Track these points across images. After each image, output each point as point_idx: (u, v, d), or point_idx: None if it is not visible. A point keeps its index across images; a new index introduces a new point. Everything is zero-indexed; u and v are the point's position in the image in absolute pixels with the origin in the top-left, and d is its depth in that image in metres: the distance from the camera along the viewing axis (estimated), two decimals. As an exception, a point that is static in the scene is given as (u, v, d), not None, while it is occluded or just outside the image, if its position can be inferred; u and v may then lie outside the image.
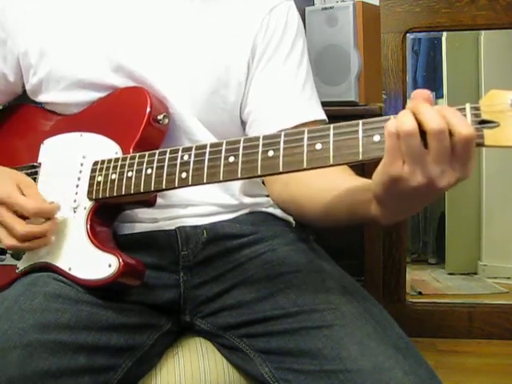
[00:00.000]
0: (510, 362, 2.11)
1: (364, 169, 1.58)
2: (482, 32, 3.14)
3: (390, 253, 2.31)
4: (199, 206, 0.95)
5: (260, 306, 0.87)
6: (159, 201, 0.91)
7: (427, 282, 3.22)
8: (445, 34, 3.39)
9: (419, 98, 0.63)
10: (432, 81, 3.91)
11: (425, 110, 0.61)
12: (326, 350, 0.78)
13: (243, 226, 0.96)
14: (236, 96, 0.97)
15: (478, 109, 0.62)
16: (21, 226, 0.84)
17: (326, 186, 0.83)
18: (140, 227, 0.93)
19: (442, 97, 3.61)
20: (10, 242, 0.85)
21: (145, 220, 0.94)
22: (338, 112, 1.72)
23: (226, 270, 0.93)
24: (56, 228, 0.86)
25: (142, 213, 0.93)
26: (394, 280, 2.34)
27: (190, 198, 0.94)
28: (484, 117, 0.61)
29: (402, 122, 0.62)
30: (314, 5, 1.98)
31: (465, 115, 0.62)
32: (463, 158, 0.62)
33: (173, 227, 0.93)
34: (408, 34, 2.34)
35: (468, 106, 0.62)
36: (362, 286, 0.90)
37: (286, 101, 0.97)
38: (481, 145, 0.61)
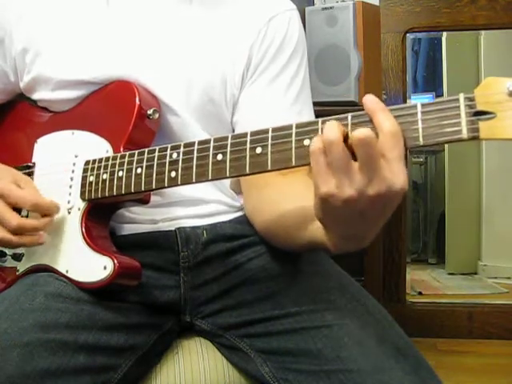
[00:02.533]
0: (510, 362, 2.11)
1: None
2: (482, 32, 3.14)
3: (390, 253, 2.32)
4: (199, 205, 0.95)
5: (260, 306, 0.87)
6: (158, 199, 0.91)
7: (427, 282, 3.23)
8: (445, 34, 3.40)
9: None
10: (432, 81, 3.92)
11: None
12: (326, 349, 0.78)
13: (243, 226, 0.96)
14: (230, 108, 0.97)
15: (472, 99, 0.58)
16: (13, 218, 0.83)
17: (289, 209, 0.82)
18: (140, 228, 0.93)
19: (441, 96, 3.61)
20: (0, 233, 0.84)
21: (144, 221, 0.93)
22: (337, 112, 1.71)
23: (226, 270, 0.92)
24: (50, 227, 0.86)
25: (142, 214, 0.93)
26: (394, 280, 2.34)
27: (188, 194, 0.93)
28: (479, 108, 0.57)
29: (325, 132, 0.61)
30: (314, 5, 1.98)
31: (458, 106, 0.59)
32: (392, 161, 0.60)
33: (172, 228, 0.93)
34: (408, 34, 2.34)
35: (462, 97, 0.59)
36: (362, 285, 0.90)
37: (273, 114, 0.95)
38: (475, 138, 0.58)
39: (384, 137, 0.60)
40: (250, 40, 0.96)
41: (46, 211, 0.86)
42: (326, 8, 1.82)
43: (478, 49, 3.25)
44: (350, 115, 0.64)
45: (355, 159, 0.61)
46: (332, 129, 0.61)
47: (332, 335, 0.79)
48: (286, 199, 0.84)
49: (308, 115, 0.98)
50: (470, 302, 2.55)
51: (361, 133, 0.60)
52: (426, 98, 3.80)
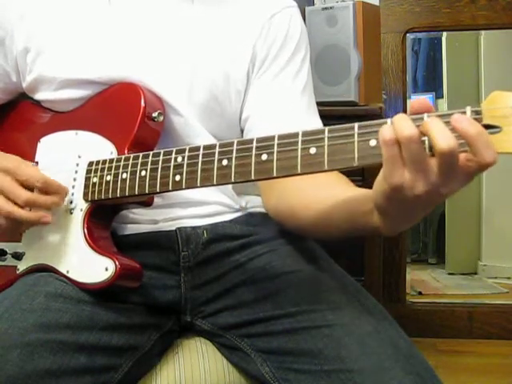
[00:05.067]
0: (510, 362, 2.11)
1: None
2: (482, 32, 3.13)
3: (390, 253, 2.31)
4: (199, 206, 0.95)
5: (260, 305, 0.88)
6: (159, 200, 0.91)
7: (427, 282, 3.22)
8: (445, 34, 3.39)
9: (421, 109, 0.61)
10: (432, 81, 3.91)
11: (435, 128, 0.58)
12: (327, 349, 0.78)
13: (243, 226, 0.96)
14: (234, 105, 0.97)
15: (479, 113, 0.58)
16: (24, 192, 0.83)
17: (324, 196, 0.81)
18: (140, 228, 0.93)
19: (441, 97, 3.61)
20: (9, 207, 0.83)
21: (145, 221, 0.94)
22: (337, 112, 1.72)
23: (226, 270, 0.93)
24: (60, 206, 0.86)
25: (142, 214, 0.93)
26: (394, 280, 2.34)
27: (189, 196, 0.94)
28: (485, 121, 0.58)
29: (402, 127, 0.60)
30: (314, 5, 1.98)
31: None
32: (471, 172, 0.59)
33: (173, 228, 0.93)
34: (408, 34, 2.34)
35: (469, 110, 0.59)
36: (362, 285, 0.90)
37: (283, 111, 0.95)
38: None
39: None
40: (253, 37, 0.97)
41: (55, 191, 0.86)
42: (325, 8, 1.82)
43: (478, 49, 3.24)
44: (356, 125, 0.63)
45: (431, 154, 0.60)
46: (407, 124, 0.60)
47: (332, 335, 0.79)
48: (326, 186, 0.83)
49: (314, 110, 0.99)
50: (470, 302, 2.55)
51: (445, 145, 0.57)
52: (426, 98, 3.79)
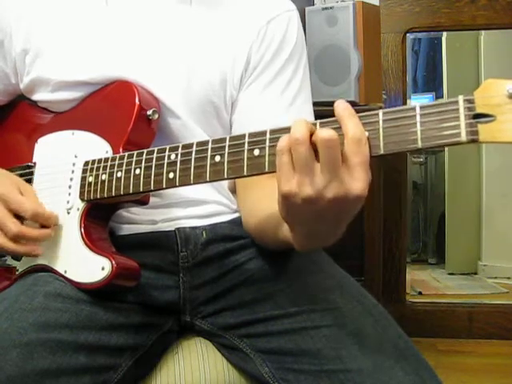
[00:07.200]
0: (510, 362, 2.11)
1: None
2: (482, 32, 3.14)
3: (390, 252, 2.32)
4: (198, 206, 0.95)
5: (260, 306, 0.87)
6: (157, 201, 0.91)
7: (427, 282, 3.23)
8: (445, 34, 3.40)
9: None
10: (432, 81, 3.92)
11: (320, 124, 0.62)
12: (326, 349, 0.78)
13: (242, 227, 0.96)
14: (229, 106, 0.96)
15: (472, 101, 0.57)
16: (14, 225, 0.83)
17: (261, 207, 0.85)
18: (139, 228, 0.93)
19: (441, 96, 3.62)
20: None
21: (144, 221, 0.93)
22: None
23: (225, 270, 0.92)
24: (49, 238, 0.86)
25: (141, 214, 0.93)
26: (393, 280, 2.34)
27: (188, 196, 0.93)
28: (479, 110, 0.56)
29: (293, 130, 0.62)
30: (313, 5, 1.98)
31: (457, 109, 0.58)
32: (352, 167, 0.61)
33: (172, 228, 0.93)
34: (408, 34, 2.35)
35: (461, 99, 0.57)
36: (362, 285, 0.90)
37: (269, 118, 0.94)
38: (475, 141, 0.57)
39: (347, 142, 0.61)
40: (250, 40, 0.96)
41: (45, 222, 0.86)
42: (326, 8, 1.82)
43: (478, 49, 3.25)
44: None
45: (319, 160, 0.62)
46: (300, 127, 0.62)
47: (332, 335, 0.79)
48: (267, 199, 0.84)
49: (308, 114, 0.98)
50: (470, 302, 2.55)
51: (325, 133, 0.61)
52: (426, 98, 3.80)
